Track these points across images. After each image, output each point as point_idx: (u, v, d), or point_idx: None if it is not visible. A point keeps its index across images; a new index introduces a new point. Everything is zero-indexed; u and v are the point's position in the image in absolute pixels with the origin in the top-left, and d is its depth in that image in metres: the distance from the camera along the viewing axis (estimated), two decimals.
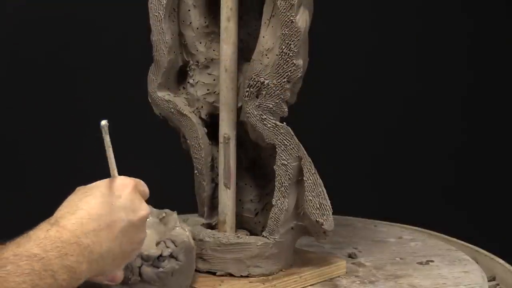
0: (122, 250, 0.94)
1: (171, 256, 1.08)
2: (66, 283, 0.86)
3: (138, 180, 0.99)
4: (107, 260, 0.92)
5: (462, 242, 1.40)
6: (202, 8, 1.22)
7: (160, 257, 1.07)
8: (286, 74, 1.14)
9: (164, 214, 1.13)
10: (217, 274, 1.18)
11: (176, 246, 1.08)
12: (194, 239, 1.15)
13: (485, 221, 2.24)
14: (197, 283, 1.15)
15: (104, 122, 0.93)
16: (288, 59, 1.13)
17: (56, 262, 0.86)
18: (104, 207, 0.92)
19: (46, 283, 0.84)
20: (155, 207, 1.14)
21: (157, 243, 1.08)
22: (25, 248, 0.85)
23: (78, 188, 0.96)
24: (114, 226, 0.92)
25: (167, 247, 1.08)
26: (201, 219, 1.25)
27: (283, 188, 1.16)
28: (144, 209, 0.96)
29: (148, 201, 1.16)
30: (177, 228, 1.10)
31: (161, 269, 1.07)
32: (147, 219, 0.97)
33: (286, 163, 1.16)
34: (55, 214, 0.91)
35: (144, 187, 0.99)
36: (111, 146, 0.95)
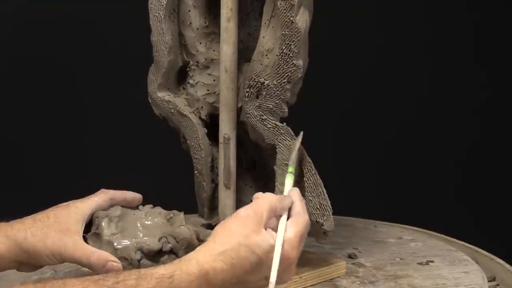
0: None
1: (172, 252, 1.08)
2: None
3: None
4: None
5: (462, 243, 1.40)
6: (202, 9, 1.22)
7: (160, 251, 1.08)
8: (286, 74, 1.14)
9: (171, 215, 1.13)
10: None
11: (177, 242, 1.08)
12: (199, 239, 1.15)
13: (485, 221, 2.24)
14: None
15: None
16: (288, 60, 1.13)
17: None
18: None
19: None
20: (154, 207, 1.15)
21: (159, 239, 1.08)
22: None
23: (246, 231, 0.93)
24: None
25: (168, 242, 1.08)
26: (201, 220, 1.25)
27: (283, 188, 1.16)
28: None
29: (150, 201, 1.16)
30: (182, 227, 1.11)
31: (160, 264, 1.07)
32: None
33: (286, 163, 1.16)
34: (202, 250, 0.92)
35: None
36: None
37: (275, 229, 0.94)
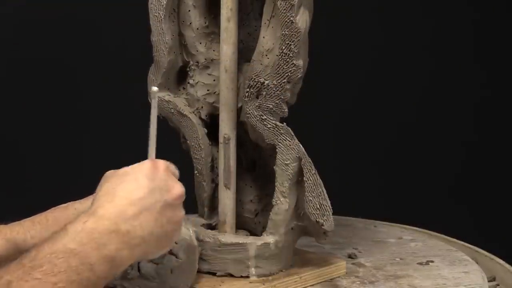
0: (164, 231, 0.94)
1: (171, 252, 1.08)
2: (105, 273, 0.87)
3: (168, 162, 1.00)
4: (150, 242, 0.92)
5: (462, 243, 1.40)
6: (202, 9, 1.22)
7: None
8: (286, 74, 1.14)
9: None
10: (217, 274, 1.18)
11: (176, 243, 1.08)
12: (198, 240, 1.15)
13: (485, 221, 2.24)
14: (197, 283, 1.15)
15: (155, 89, 0.94)
16: (288, 60, 1.13)
17: (94, 254, 0.86)
18: (141, 190, 0.93)
19: (83, 277, 0.85)
20: None
21: None
22: (62, 243, 0.86)
23: (108, 174, 0.97)
24: (152, 208, 0.92)
25: None
26: (201, 220, 1.25)
27: (283, 188, 1.16)
28: (178, 187, 0.96)
29: None
30: (181, 227, 1.10)
31: (160, 265, 1.07)
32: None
33: (286, 163, 1.16)
34: (93, 204, 0.92)
35: (175, 169, 1.00)
36: (155, 123, 0.96)
37: None
